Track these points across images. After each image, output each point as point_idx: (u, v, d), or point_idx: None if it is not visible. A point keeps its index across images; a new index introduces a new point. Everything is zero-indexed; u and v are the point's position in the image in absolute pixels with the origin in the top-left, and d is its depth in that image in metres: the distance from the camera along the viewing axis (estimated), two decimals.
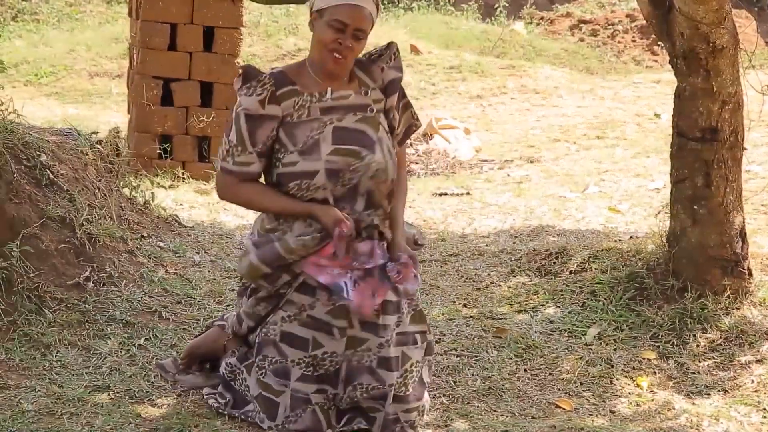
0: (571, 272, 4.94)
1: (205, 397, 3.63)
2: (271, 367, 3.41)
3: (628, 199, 6.66)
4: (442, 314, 4.60)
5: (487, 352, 4.26)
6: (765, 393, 3.98)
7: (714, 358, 4.23)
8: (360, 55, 3.56)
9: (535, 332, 4.44)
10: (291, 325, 3.40)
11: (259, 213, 3.59)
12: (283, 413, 3.40)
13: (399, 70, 3.61)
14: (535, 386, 4.03)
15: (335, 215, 3.38)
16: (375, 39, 13.79)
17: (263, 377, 3.43)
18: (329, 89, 3.47)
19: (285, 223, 3.46)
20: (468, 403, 3.84)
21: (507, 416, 3.76)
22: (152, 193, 5.54)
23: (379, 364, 3.41)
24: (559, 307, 4.67)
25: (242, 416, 3.50)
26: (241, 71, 3.47)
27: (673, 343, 4.32)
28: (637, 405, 3.93)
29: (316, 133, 3.42)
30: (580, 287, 4.78)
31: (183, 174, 7.12)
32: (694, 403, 3.94)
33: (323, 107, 3.45)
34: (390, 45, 3.63)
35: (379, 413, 3.43)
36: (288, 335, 3.40)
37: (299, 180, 3.41)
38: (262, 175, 3.54)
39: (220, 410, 3.54)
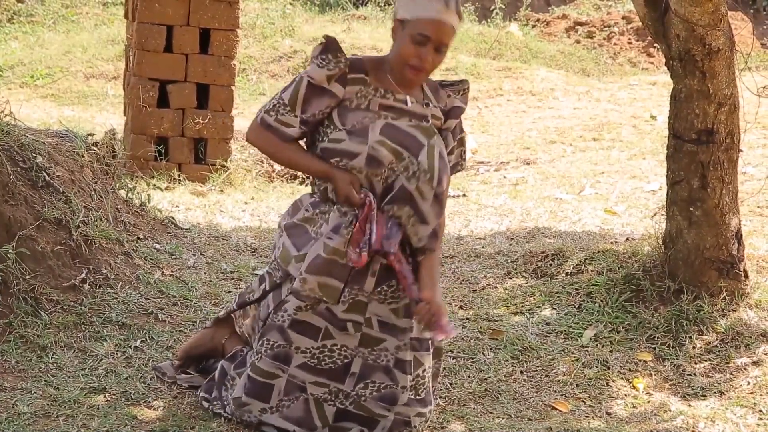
0: (567, 274, 4.95)
1: (200, 398, 3.63)
2: (270, 352, 3.39)
3: (624, 200, 6.66)
4: None
5: (483, 354, 4.26)
6: (761, 395, 3.99)
7: (710, 360, 4.23)
8: (433, 79, 3.58)
9: (531, 334, 4.44)
10: (305, 314, 3.39)
11: (294, 206, 3.57)
12: (277, 396, 3.40)
13: (464, 103, 3.63)
14: (532, 388, 4.03)
15: (352, 179, 3.37)
16: (372, 42, 13.74)
17: (258, 362, 3.42)
18: (395, 92, 3.46)
19: (320, 215, 3.45)
20: (464, 405, 3.84)
21: (503, 418, 3.76)
22: (148, 195, 5.53)
23: (396, 364, 3.42)
24: (555, 308, 4.67)
25: (234, 417, 3.49)
26: (324, 40, 3.45)
27: (669, 344, 4.32)
28: (633, 407, 3.94)
29: (368, 120, 3.42)
30: (576, 289, 4.78)
31: (179, 176, 7.11)
32: (690, 405, 3.94)
33: (383, 104, 3.45)
34: (463, 81, 3.66)
35: (384, 419, 3.43)
36: (299, 323, 3.38)
37: (340, 157, 3.40)
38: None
39: (215, 411, 3.54)
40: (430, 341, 3.53)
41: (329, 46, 3.44)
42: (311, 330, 3.39)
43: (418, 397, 3.47)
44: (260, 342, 3.44)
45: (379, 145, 3.38)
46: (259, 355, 3.42)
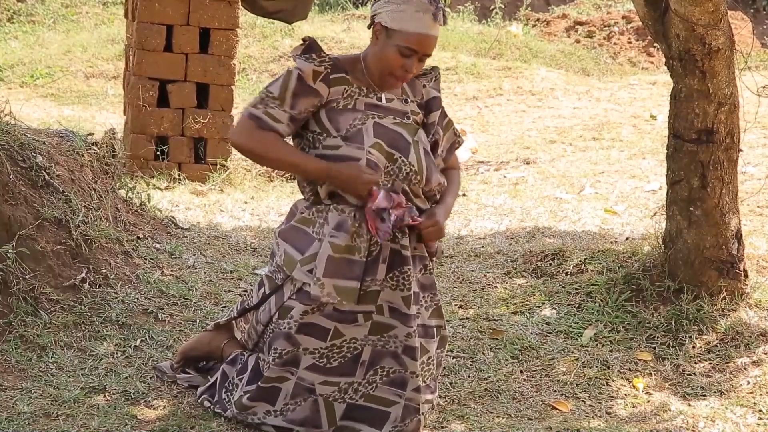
0: (567, 274, 4.95)
1: (200, 398, 3.63)
2: (278, 360, 3.37)
3: (624, 200, 6.66)
4: None
5: (483, 353, 4.26)
6: (761, 394, 3.99)
7: (710, 359, 4.23)
8: None
9: (531, 334, 4.44)
10: (313, 316, 3.37)
11: (290, 212, 3.54)
12: (283, 399, 3.39)
13: (438, 90, 3.63)
14: (532, 388, 4.03)
15: (362, 177, 3.33)
16: None
17: (266, 371, 3.41)
18: (376, 90, 3.47)
19: (317, 214, 3.43)
20: (464, 404, 3.84)
21: (503, 418, 3.76)
22: (148, 194, 5.53)
23: (405, 351, 3.42)
24: (555, 308, 4.67)
25: (235, 419, 3.49)
26: (305, 41, 3.45)
27: (669, 344, 4.32)
28: (633, 407, 3.94)
29: (359, 122, 3.41)
30: (576, 289, 4.78)
31: (179, 175, 7.12)
32: (690, 405, 3.94)
33: (368, 103, 3.45)
34: (434, 68, 3.65)
35: (395, 406, 3.42)
36: (307, 326, 3.36)
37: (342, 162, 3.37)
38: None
39: (215, 411, 3.54)
40: (434, 329, 3.54)
41: (311, 46, 3.44)
42: (319, 331, 3.38)
43: (424, 384, 3.48)
44: (268, 352, 3.42)
45: (374, 149, 3.38)
46: (267, 365, 3.41)
